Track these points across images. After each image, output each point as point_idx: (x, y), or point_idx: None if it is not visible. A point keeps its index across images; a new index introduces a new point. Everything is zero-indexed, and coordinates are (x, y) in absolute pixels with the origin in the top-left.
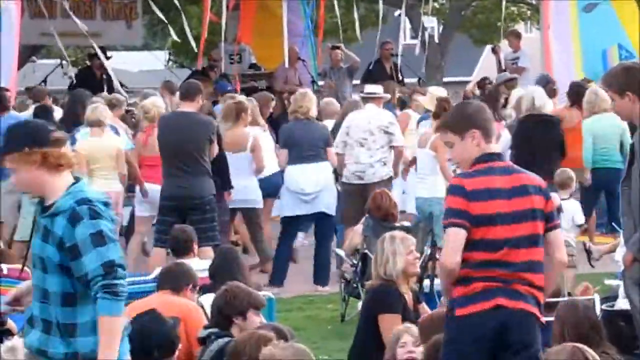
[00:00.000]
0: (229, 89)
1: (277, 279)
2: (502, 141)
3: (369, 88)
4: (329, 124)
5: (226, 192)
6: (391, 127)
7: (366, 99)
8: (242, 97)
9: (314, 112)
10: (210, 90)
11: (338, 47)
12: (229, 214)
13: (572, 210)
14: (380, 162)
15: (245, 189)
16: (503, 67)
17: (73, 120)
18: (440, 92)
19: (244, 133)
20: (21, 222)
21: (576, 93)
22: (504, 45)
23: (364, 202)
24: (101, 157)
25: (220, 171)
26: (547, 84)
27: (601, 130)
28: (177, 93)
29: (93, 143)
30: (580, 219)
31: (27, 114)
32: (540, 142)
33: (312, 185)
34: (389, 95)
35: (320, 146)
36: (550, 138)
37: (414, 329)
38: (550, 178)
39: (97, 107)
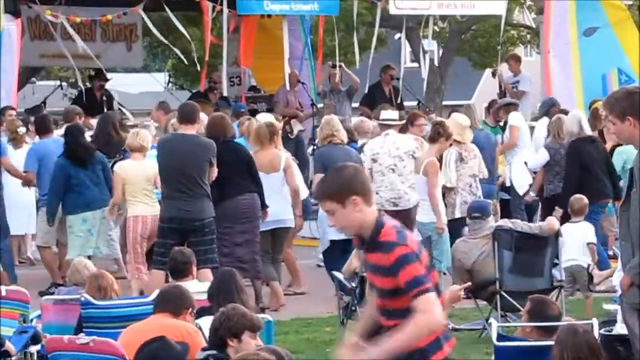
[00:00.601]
0: (242, 111)
1: None
2: (541, 155)
3: (386, 114)
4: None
5: (263, 211)
6: (417, 152)
7: (385, 126)
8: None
9: (345, 137)
10: (211, 112)
11: (337, 66)
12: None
13: (584, 231)
14: (411, 187)
15: (279, 210)
16: (499, 91)
17: (105, 141)
18: (463, 119)
19: (277, 154)
20: (72, 240)
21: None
22: (504, 68)
23: None
24: (137, 182)
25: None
26: (552, 107)
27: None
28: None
29: (129, 166)
30: (592, 238)
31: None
32: (595, 162)
33: None
34: (404, 121)
35: None
36: (601, 158)
37: None
38: (602, 197)
39: (138, 132)
